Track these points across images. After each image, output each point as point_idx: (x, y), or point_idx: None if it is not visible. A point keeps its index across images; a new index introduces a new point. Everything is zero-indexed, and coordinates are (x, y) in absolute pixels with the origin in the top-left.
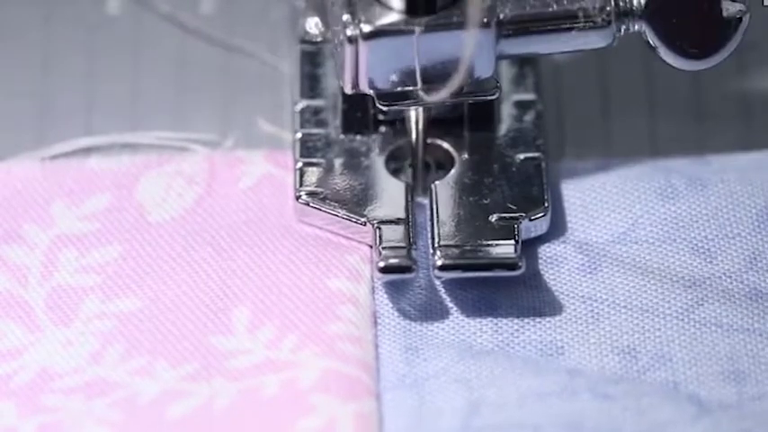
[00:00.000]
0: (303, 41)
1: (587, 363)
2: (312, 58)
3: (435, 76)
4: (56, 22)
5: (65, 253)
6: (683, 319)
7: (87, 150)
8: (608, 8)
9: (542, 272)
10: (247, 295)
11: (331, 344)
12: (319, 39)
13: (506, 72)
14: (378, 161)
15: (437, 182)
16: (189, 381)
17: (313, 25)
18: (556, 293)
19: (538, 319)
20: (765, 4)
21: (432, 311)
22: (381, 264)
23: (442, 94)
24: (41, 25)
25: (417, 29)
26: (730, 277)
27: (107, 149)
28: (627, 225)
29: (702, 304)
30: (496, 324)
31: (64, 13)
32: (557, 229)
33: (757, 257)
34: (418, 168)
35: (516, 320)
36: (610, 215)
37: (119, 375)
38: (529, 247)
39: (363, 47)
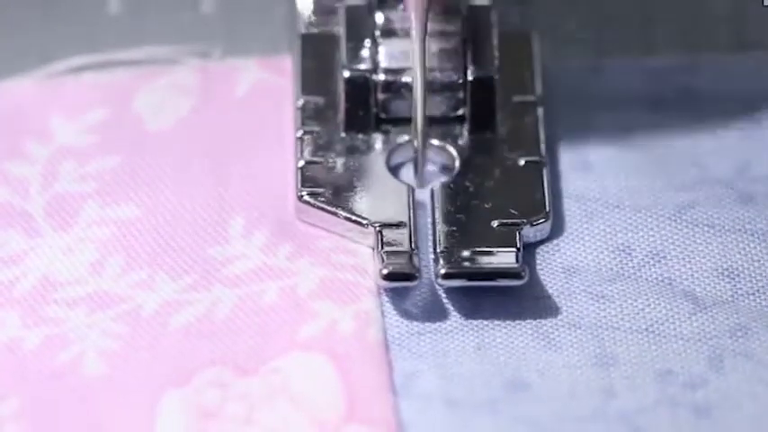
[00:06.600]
0: (304, 37)
1: (583, 260)
2: (313, 55)
3: None
4: (55, 21)
5: (64, 165)
6: (675, 220)
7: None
8: None
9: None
10: (242, 206)
11: (326, 256)
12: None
13: (507, 73)
14: (380, 161)
15: (438, 184)
16: (189, 291)
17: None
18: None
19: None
20: (765, 4)
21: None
22: (385, 271)
23: None
24: (41, 25)
25: None
26: (721, 182)
27: (101, 68)
28: (616, 129)
29: (694, 206)
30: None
31: (64, 13)
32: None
33: (746, 167)
34: (420, 153)
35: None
36: (599, 117)
37: (120, 288)
38: None
39: None
